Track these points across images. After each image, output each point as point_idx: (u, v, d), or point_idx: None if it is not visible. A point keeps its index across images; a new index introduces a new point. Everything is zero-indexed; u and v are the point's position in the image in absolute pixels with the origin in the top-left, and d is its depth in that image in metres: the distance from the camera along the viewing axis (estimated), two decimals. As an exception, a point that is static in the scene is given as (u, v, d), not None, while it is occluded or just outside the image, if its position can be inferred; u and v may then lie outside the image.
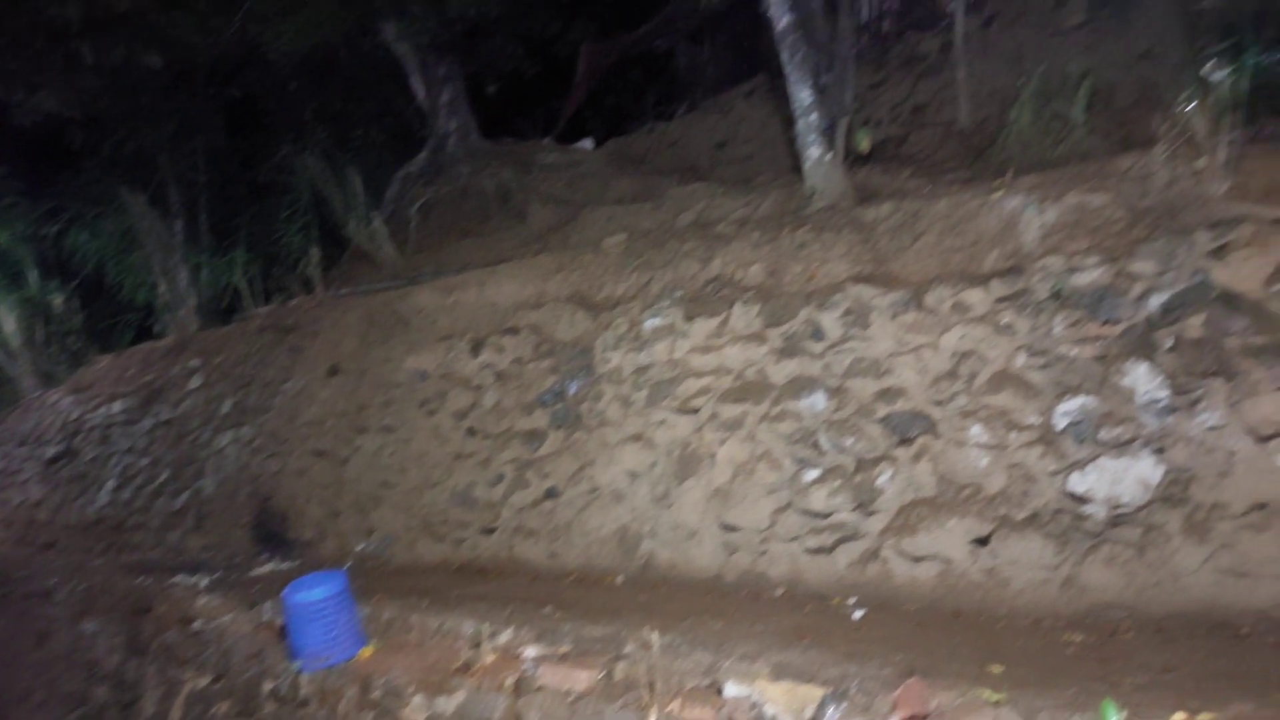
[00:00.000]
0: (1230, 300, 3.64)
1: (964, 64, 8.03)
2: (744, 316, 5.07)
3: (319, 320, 7.62)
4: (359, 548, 6.27)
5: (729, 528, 4.53)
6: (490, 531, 5.57)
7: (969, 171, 6.62)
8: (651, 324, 5.37)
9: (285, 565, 6.31)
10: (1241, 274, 3.69)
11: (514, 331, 6.12)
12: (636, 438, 5.09)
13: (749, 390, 4.77)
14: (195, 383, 8.62)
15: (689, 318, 5.23)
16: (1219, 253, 3.78)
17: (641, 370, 5.29)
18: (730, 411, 4.75)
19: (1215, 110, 4.34)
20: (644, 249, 6.31)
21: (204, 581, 5.78)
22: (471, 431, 5.92)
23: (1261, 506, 3.30)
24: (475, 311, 6.54)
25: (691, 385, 5.01)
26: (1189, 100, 4.43)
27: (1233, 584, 3.24)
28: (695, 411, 4.93)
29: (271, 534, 6.84)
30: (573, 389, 5.62)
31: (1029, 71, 7.47)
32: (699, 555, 4.65)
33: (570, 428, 5.44)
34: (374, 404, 6.60)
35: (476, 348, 6.19)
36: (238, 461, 7.40)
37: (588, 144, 11.35)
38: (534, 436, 5.61)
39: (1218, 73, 4.70)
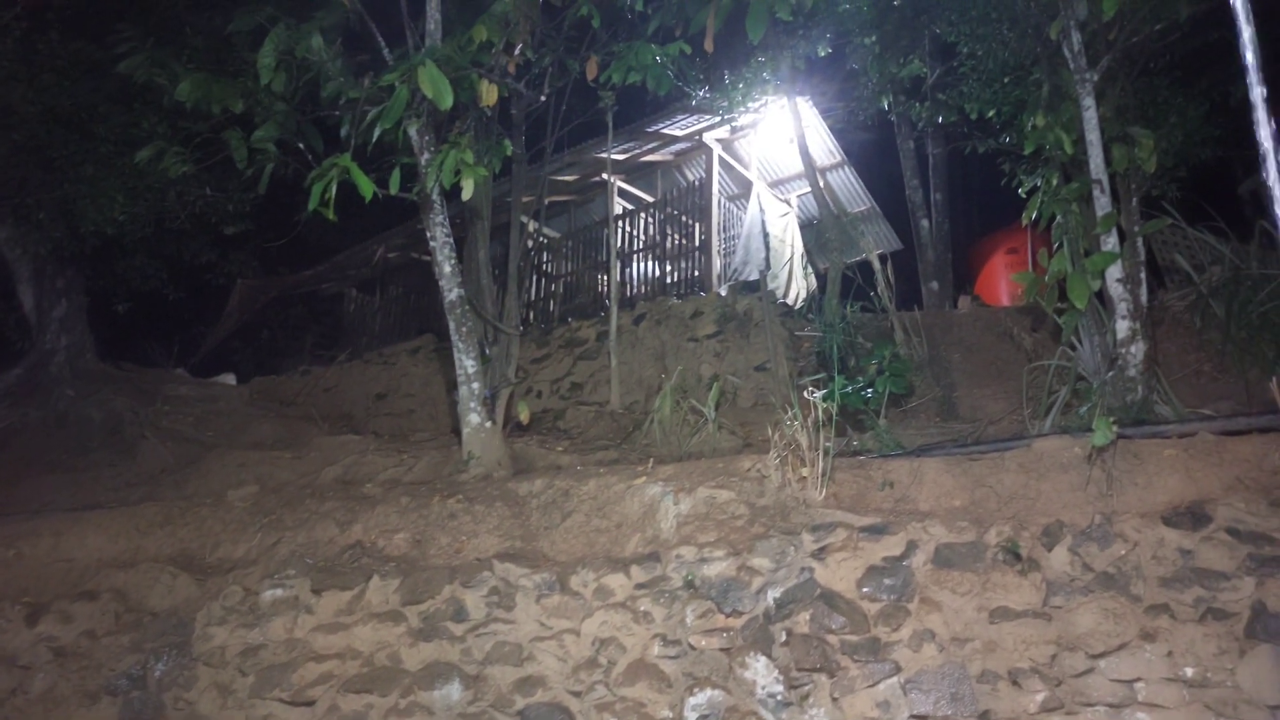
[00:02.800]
0: (830, 599, 4.03)
1: (616, 353, 8.86)
2: (381, 591, 4.65)
3: None
4: None
5: None
6: None
7: (619, 452, 7.03)
8: (271, 595, 4.72)
9: None
10: (838, 575, 4.14)
11: (91, 596, 5.03)
12: (232, 737, 4.25)
13: (377, 678, 4.26)
14: None
15: (317, 590, 4.68)
16: (820, 554, 4.23)
17: (251, 651, 4.54)
18: (352, 704, 4.17)
19: (813, 426, 5.07)
20: (276, 505, 5.71)
21: None
22: (3, 729, 4.58)
23: (865, 806, 3.47)
24: (43, 568, 5.35)
25: (311, 671, 4.37)
26: (794, 415, 5.14)
27: None
28: (311, 704, 4.27)
29: None
30: (158, 672, 4.64)
31: (670, 368, 8.40)
32: None
33: (146, 724, 4.42)
34: None
35: (34, 615, 4.96)
36: None
37: (229, 379, 10.51)
38: (93, 736, 4.46)
39: (815, 394, 5.58)
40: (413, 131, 5.89)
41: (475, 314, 6.76)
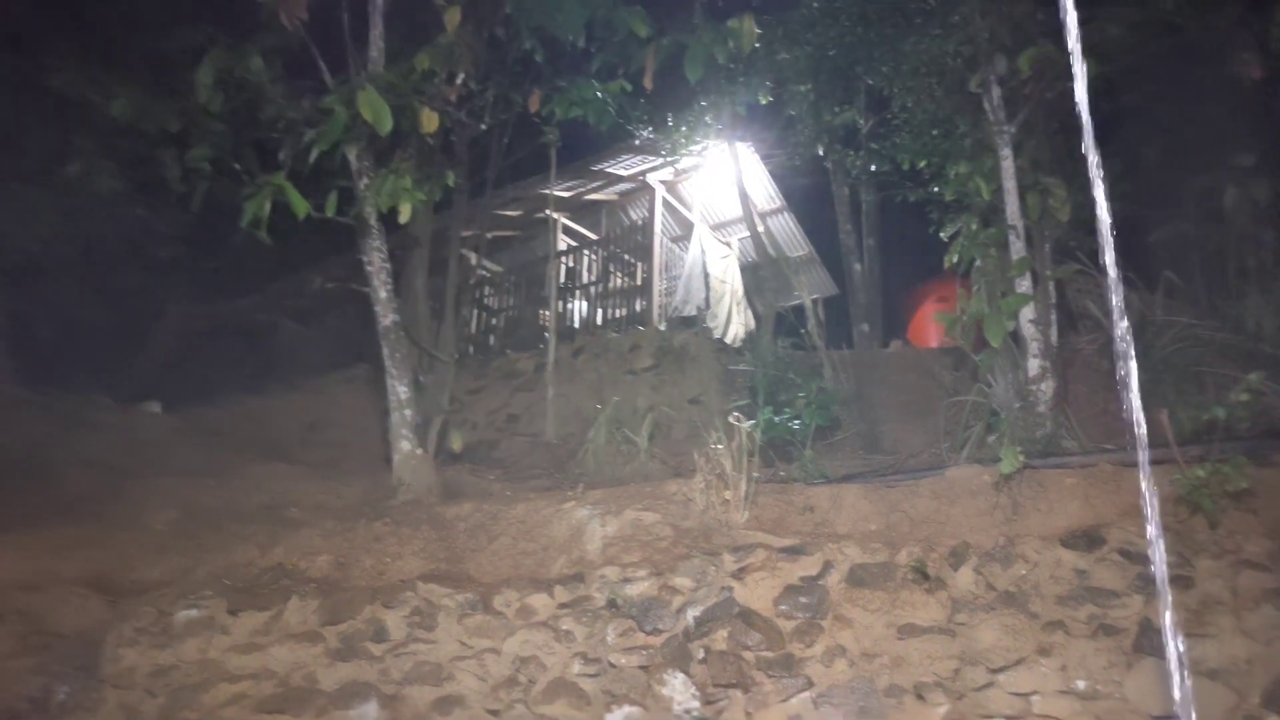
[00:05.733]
0: (748, 617, 4.12)
1: (554, 385, 8.92)
2: (300, 611, 4.60)
3: None
4: None
5: None
6: None
7: (551, 480, 7.06)
8: (186, 616, 4.63)
9: None
10: (756, 594, 4.23)
11: (-4, 618, 4.86)
12: (136, 760, 4.13)
13: (292, 698, 4.20)
14: None
15: (233, 610, 4.61)
16: (740, 574, 4.33)
17: (162, 672, 4.44)
18: (265, 725, 4.10)
19: (739, 452, 5.20)
20: (197, 528, 5.62)
21: None
22: (-110, 756, 4.37)
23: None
24: (-54, 591, 5.14)
25: (223, 691, 4.29)
26: (720, 441, 5.27)
27: None
28: (221, 725, 4.18)
29: None
30: (62, 695, 4.49)
31: (607, 400, 8.47)
32: None
33: (45, 747, 4.27)
34: None
35: (-66, 637, 4.78)
36: None
37: (155, 407, 10.26)
38: (-11, 761, 4.29)
39: (743, 422, 5.72)
40: (351, 156, 5.96)
41: (410, 341, 6.77)
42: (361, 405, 9.86)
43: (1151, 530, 3.31)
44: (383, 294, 6.46)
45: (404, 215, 5.53)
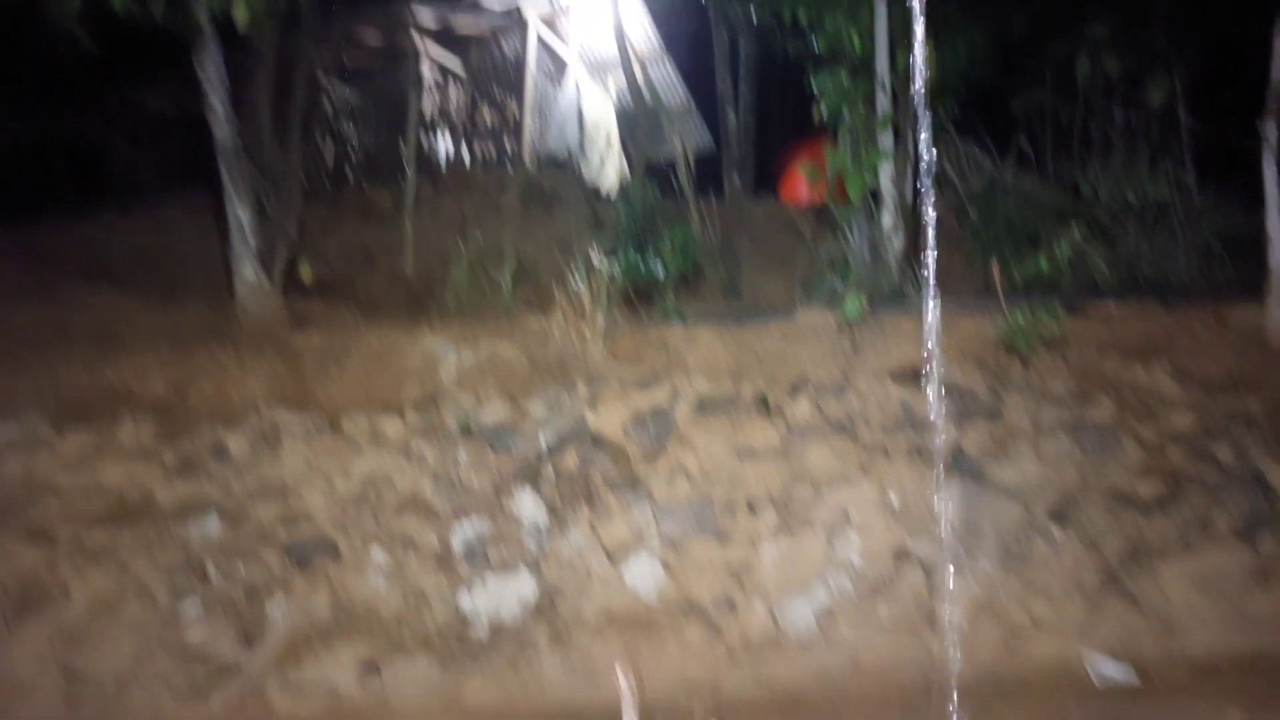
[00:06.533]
0: (598, 441, 4.26)
1: (413, 221, 8.60)
2: (134, 432, 4.42)
3: None
4: None
5: (74, 674, 3.67)
6: None
7: (408, 316, 6.91)
8: (4, 434, 4.36)
9: None
10: (607, 420, 4.37)
11: None
12: (-45, 575, 3.94)
13: (127, 513, 4.08)
14: None
15: (60, 430, 4.37)
16: (592, 402, 4.44)
17: (-20, 490, 4.20)
18: (98, 538, 3.97)
19: (599, 289, 5.25)
20: (17, 349, 5.22)
21: None
22: None
23: (609, 617, 3.76)
24: None
25: (50, 507, 4.11)
26: (583, 278, 5.29)
27: (584, 685, 3.58)
28: (52, 540, 4.02)
29: None
30: None
31: (470, 239, 8.27)
32: (30, 713, 3.66)
33: None
34: None
35: None
36: None
37: (-43, 226, 9.28)
38: None
39: (604, 261, 5.73)
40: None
41: (252, 163, 6.32)
42: (201, 234, 9.20)
43: (932, 368, 3.75)
44: (220, 110, 5.97)
45: (240, 21, 5.06)
